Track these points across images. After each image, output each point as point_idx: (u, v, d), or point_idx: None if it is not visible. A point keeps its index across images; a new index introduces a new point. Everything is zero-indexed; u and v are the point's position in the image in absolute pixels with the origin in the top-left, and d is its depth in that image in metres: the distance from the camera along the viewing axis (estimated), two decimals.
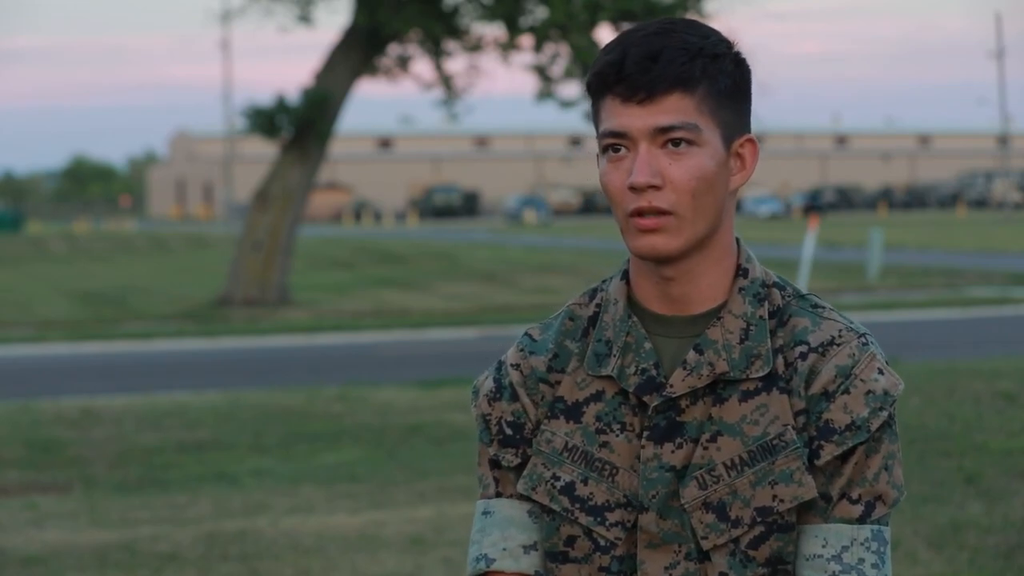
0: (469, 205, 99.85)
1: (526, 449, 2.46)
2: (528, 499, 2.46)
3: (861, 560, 2.35)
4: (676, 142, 2.34)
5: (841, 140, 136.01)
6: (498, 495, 2.48)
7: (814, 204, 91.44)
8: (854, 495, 2.36)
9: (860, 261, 35.77)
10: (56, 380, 18.47)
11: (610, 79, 2.35)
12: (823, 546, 2.35)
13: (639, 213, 2.34)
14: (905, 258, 39.06)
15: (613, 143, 2.36)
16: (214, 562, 8.66)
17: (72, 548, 9.09)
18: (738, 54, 2.40)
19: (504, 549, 2.46)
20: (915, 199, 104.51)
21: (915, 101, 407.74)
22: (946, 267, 35.87)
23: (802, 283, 26.61)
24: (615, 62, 2.35)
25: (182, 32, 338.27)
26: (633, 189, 2.33)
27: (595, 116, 2.40)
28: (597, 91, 2.38)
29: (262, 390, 16.49)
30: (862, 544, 2.35)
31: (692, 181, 2.34)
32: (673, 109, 2.33)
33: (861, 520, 2.36)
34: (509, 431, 2.47)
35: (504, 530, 2.46)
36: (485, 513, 2.48)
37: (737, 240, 2.46)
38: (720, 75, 2.37)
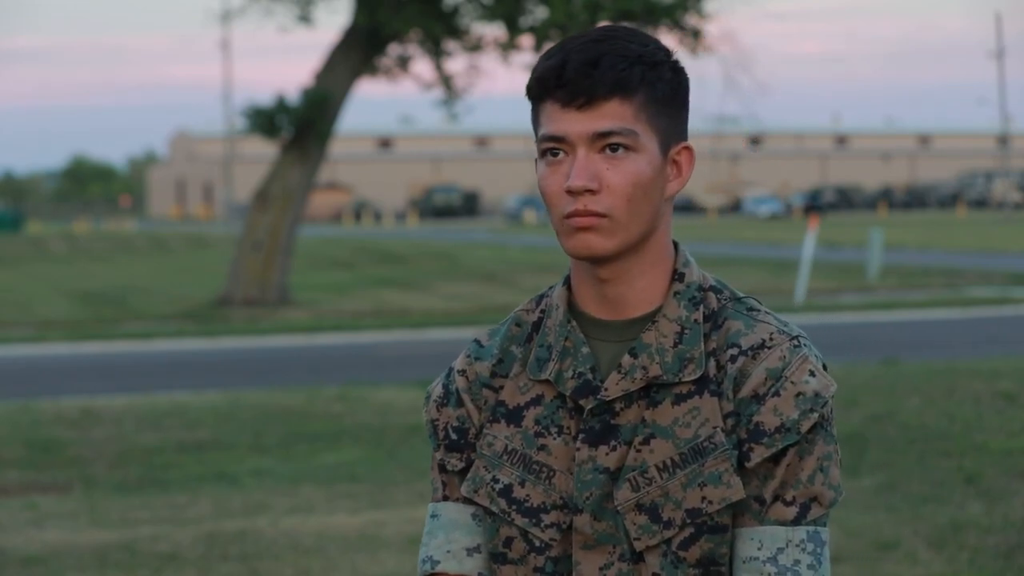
0: (469, 205, 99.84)
1: (470, 454, 2.52)
2: (473, 502, 2.51)
3: (797, 561, 2.37)
4: (614, 147, 2.38)
5: (841, 140, 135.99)
6: (445, 498, 2.54)
7: (814, 204, 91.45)
8: (788, 497, 2.38)
9: (860, 261, 35.77)
10: (56, 380, 18.47)
11: (550, 84, 2.39)
12: (758, 548, 2.38)
13: (575, 215, 2.38)
14: (905, 258, 39.06)
15: (552, 147, 2.40)
16: (214, 562, 8.66)
17: (72, 548, 9.09)
18: (676, 62, 2.44)
19: (448, 551, 2.51)
20: (915, 199, 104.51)
21: (915, 101, 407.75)
22: (946, 267, 35.87)
23: (802, 283, 26.63)
24: (555, 67, 2.39)
25: (182, 32, 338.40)
26: (570, 192, 2.37)
27: (535, 120, 2.44)
28: (537, 96, 2.42)
29: (262, 390, 16.49)
30: (797, 545, 2.38)
31: (629, 187, 2.38)
32: (612, 115, 2.37)
33: (796, 521, 2.38)
34: (454, 436, 2.53)
35: (449, 533, 2.52)
36: (433, 516, 2.55)
37: (675, 244, 2.49)
38: (658, 82, 2.41)
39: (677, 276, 2.46)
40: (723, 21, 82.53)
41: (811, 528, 2.38)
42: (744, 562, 2.39)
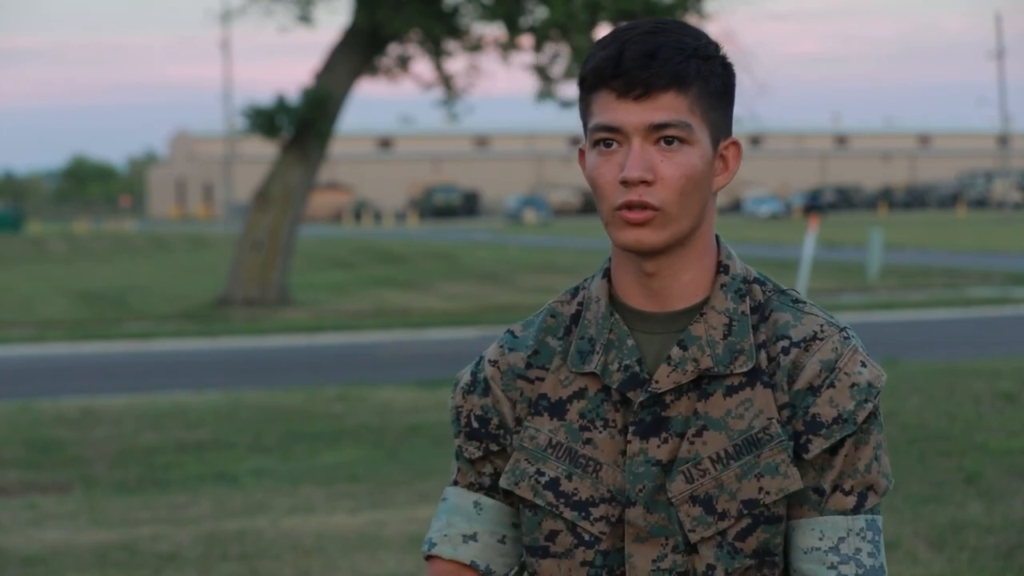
0: (469, 205, 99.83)
1: (489, 444, 2.52)
2: (482, 490, 2.53)
3: (858, 550, 2.39)
4: (668, 140, 2.38)
5: (841, 140, 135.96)
6: (455, 483, 2.56)
7: (814, 204, 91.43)
8: (847, 486, 2.40)
9: (860, 261, 35.77)
10: (56, 380, 18.47)
11: (607, 73, 2.38)
12: (820, 538, 2.39)
13: (627, 207, 2.37)
14: (905, 258, 39.06)
15: (606, 137, 2.39)
16: (214, 562, 8.66)
17: (72, 548, 9.09)
18: (725, 58, 2.45)
19: (446, 535, 2.53)
20: (915, 199, 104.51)
21: (915, 101, 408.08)
22: (946, 267, 35.87)
23: (802, 283, 26.63)
24: (612, 57, 2.38)
25: (182, 32, 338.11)
26: (624, 183, 2.37)
27: (585, 110, 2.43)
28: (592, 85, 2.41)
29: (262, 390, 16.49)
30: (858, 534, 2.40)
31: (682, 179, 2.38)
32: (668, 107, 2.37)
33: (855, 511, 2.40)
34: (475, 424, 2.53)
35: (450, 517, 2.54)
36: (444, 499, 2.57)
37: (717, 238, 2.50)
38: (711, 76, 2.41)
39: (722, 268, 2.47)
40: (723, 21, 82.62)
41: (869, 517, 2.40)
42: (805, 552, 2.40)
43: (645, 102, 2.37)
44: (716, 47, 2.43)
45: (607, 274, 2.50)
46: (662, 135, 2.37)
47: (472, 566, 2.51)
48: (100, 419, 14.27)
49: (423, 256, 46.38)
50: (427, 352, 21.06)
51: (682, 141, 2.38)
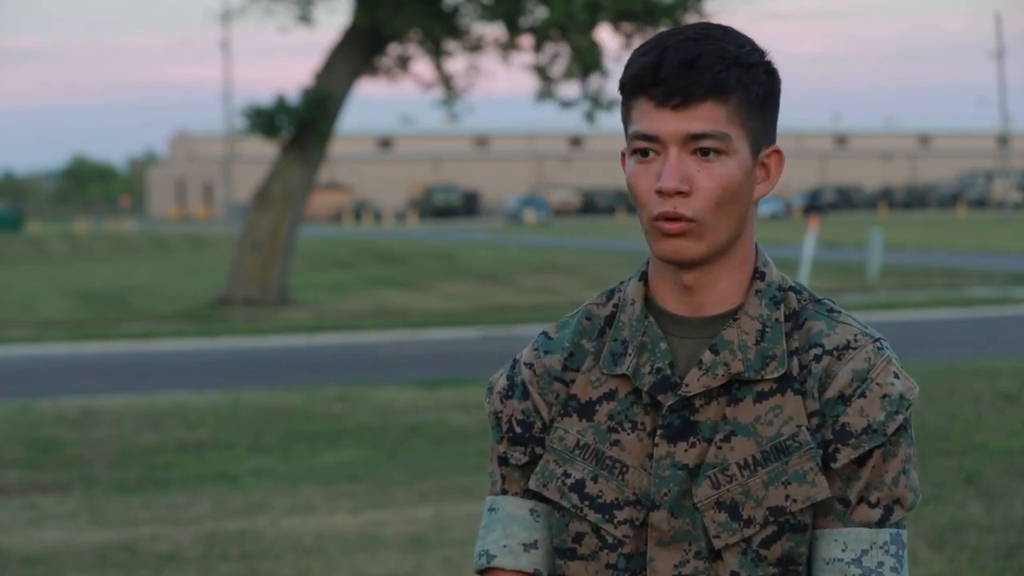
0: (469, 205, 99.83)
1: (535, 448, 2.49)
2: (534, 496, 2.49)
3: (881, 563, 2.37)
4: (706, 150, 2.36)
5: (841, 140, 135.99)
6: (504, 492, 2.51)
7: (814, 204, 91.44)
8: (873, 499, 2.38)
9: (860, 261, 35.77)
10: (56, 380, 18.47)
11: (646, 81, 2.36)
12: (843, 550, 2.37)
13: (664, 217, 2.36)
14: (905, 258, 39.07)
15: (643, 146, 2.37)
16: (214, 562, 8.66)
17: (72, 548, 9.09)
18: (770, 63, 2.42)
19: (505, 546, 2.48)
20: (915, 199, 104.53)
21: (915, 101, 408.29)
22: (946, 267, 35.88)
23: (802, 283, 26.59)
24: (652, 65, 2.36)
25: (182, 32, 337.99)
26: (660, 193, 2.35)
27: (625, 115, 2.42)
28: (631, 92, 2.39)
29: (262, 390, 16.49)
30: (881, 547, 2.37)
31: (718, 190, 2.36)
32: (706, 117, 2.35)
33: (880, 524, 2.37)
34: (518, 429, 2.50)
35: (506, 527, 2.49)
36: (491, 510, 2.52)
37: (756, 245, 2.48)
38: (753, 84, 2.38)
39: (758, 275, 2.45)
40: (723, 21, 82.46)
41: (894, 530, 2.38)
42: (827, 563, 2.37)
43: (683, 111, 2.34)
44: (760, 54, 2.40)
45: (644, 277, 2.49)
46: (699, 145, 2.35)
47: (536, 574, 2.48)
48: (100, 419, 14.28)
49: (423, 256, 46.38)
50: (427, 352, 21.06)
51: (720, 152, 2.35)
